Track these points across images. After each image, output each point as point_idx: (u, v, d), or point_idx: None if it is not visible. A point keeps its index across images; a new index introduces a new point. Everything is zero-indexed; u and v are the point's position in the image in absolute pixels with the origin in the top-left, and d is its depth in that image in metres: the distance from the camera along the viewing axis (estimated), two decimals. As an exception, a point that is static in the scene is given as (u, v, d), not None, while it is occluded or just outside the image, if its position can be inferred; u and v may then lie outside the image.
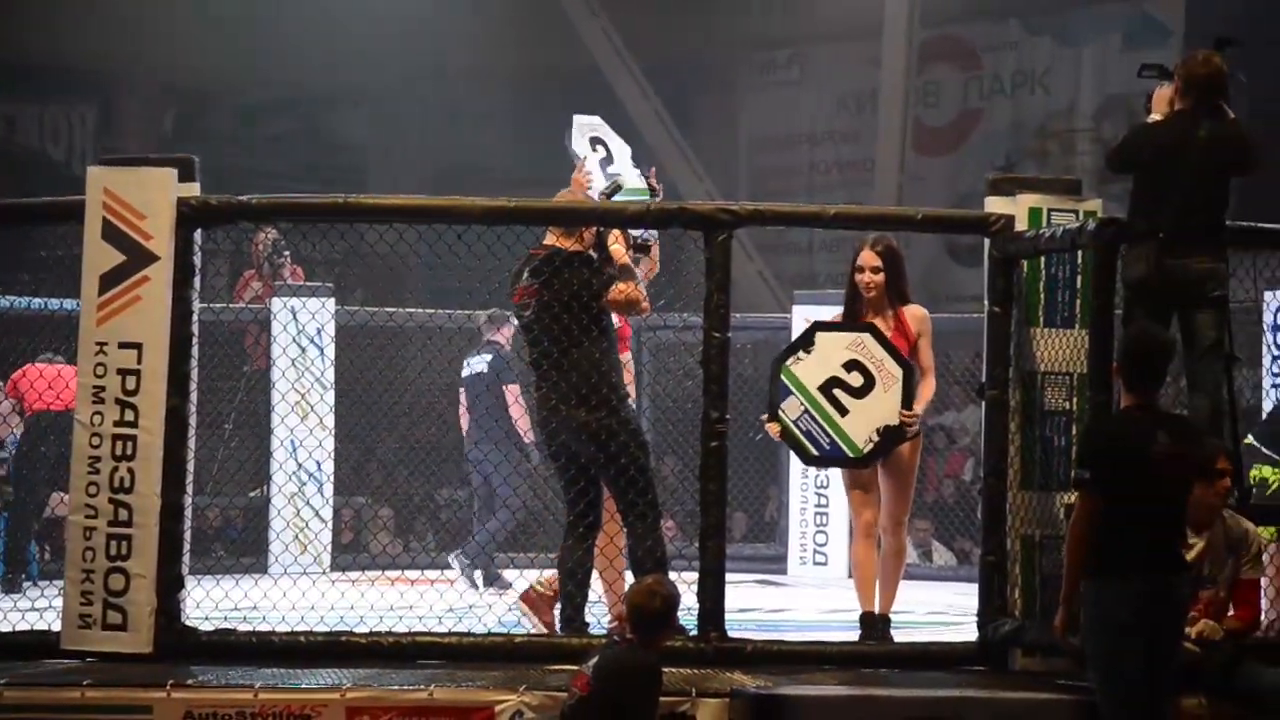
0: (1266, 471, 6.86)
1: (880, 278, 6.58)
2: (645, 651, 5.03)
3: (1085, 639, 5.16)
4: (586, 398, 6.24)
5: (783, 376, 6.40)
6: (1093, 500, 5.13)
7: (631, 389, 6.73)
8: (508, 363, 8.98)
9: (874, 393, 6.35)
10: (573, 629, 6.26)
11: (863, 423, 6.36)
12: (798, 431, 6.36)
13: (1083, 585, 5.16)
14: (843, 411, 6.35)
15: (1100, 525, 5.12)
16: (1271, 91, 11.83)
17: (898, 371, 6.36)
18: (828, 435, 6.37)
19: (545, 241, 6.43)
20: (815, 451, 6.42)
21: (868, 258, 6.60)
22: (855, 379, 6.36)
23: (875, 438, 6.37)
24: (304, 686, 5.60)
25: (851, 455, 6.41)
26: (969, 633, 6.30)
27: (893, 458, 6.54)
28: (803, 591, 9.29)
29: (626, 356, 6.75)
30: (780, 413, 6.36)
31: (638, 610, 5.05)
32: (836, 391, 6.36)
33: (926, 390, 6.59)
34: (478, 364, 9.03)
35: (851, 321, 6.61)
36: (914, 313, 6.63)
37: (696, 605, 6.11)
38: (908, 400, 6.36)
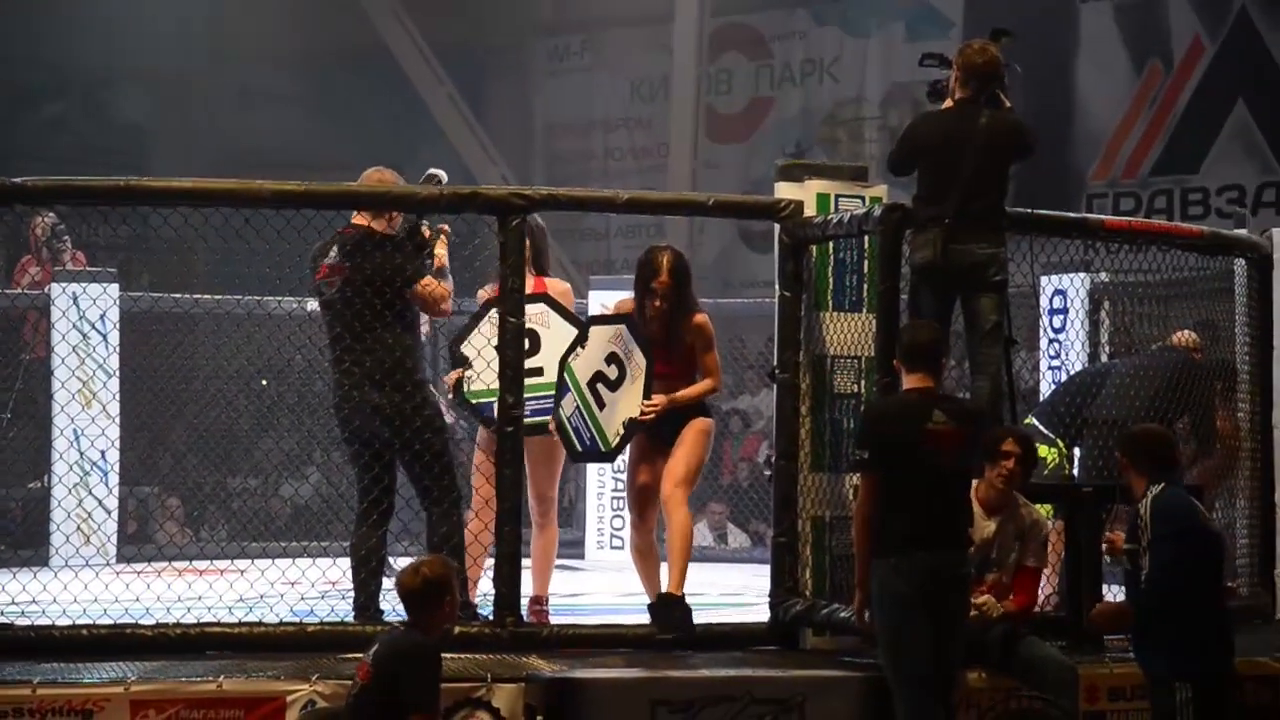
0: (1044, 450, 7.08)
1: (668, 304, 6.38)
2: (419, 633, 4.96)
3: (875, 616, 5.27)
4: (381, 382, 6.19)
5: (564, 374, 6.41)
6: (873, 480, 5.25)
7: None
8: None
9: (624, 385, 6.37)
10: (366, 617, 6.20)
11: (614, 416, 6.36)
12: (569, 428, 6.41)
13: (871, 564, 5.27)
14: (601, 405, 6.39)
15: (882, 505, 5.24)
16: (1046, 83, 12.25)
17: (643, 363, 6.36)
18: (589, 430, 6.40)
19: (355, 221, 6.37)
20: (579, 448, 6.45)
21: (662, 284, 6.37)
22: (612, 371, 6.38)
23: (621, 430, 6.37)
24: (86, 681, 5.44)
25: (604, 450, 6.45)
26: (762, 613, 6.40)
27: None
28: (600, 575, 9.32)
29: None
30: (559, 409, 6.40)
31: (403, 590, 4.99)
32: (599, 386, 6.39)
33: (698, 389, 6.42)
34: None
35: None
36: (691, 323, 6.43)
37: (493, 591, 6.10)
38: (648, 390, 6.35)
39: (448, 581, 5.00)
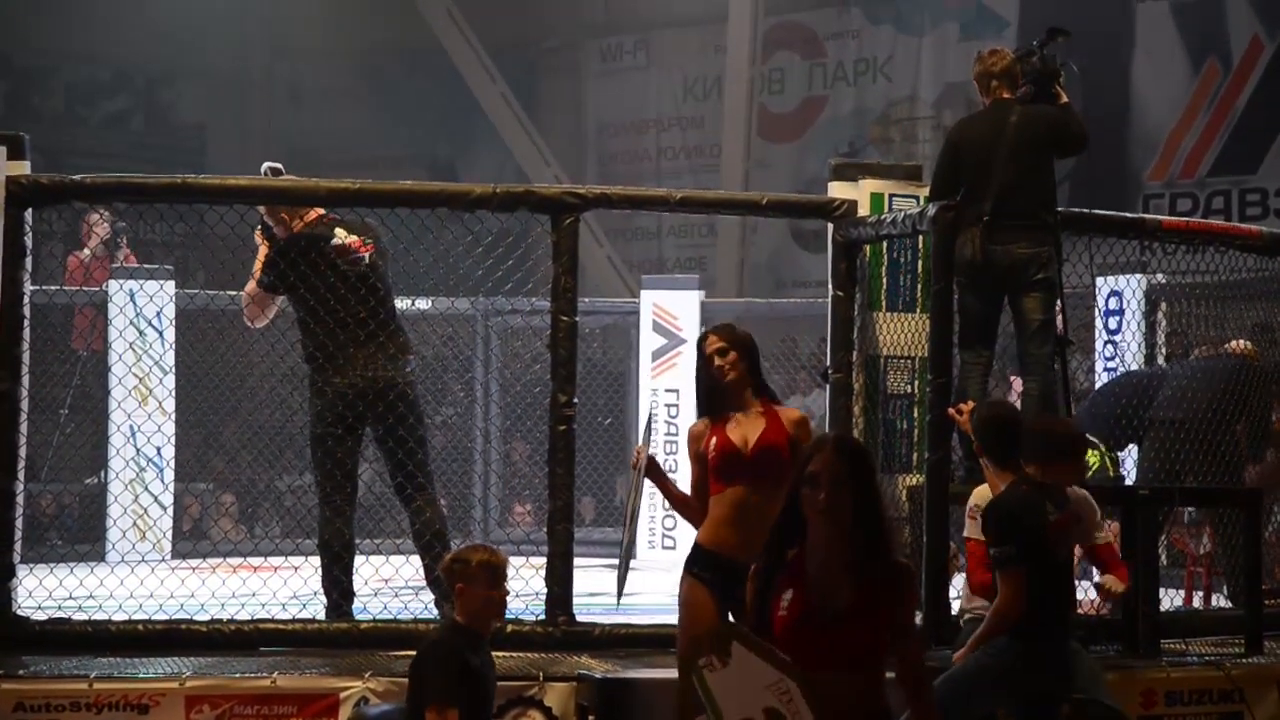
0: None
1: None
2: (448, 624, 4.87)
3: (979, 656, 5.10)
4: (403, 361, 6.33)
5: (696, 683, 4.09)
6: (1022, 573, 4.98)
7: None
8: None
9: None
10: (340, 615, 6.18)
11: None
12: None
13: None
14: None
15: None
16: (1102, 82, 12.17)
17: None
18: None
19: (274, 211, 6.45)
20: None
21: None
22: None
23: None
24: (142, 676, 5.48)
25: None
26: (813, 613, 6.35)
27: None
28: (651, 575, 9.30)
29: None
30: None
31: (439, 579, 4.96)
32: None
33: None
34: None
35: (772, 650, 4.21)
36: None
37: (545, 589, 6.11)
38: None
39: (461, 569, 4.77)
